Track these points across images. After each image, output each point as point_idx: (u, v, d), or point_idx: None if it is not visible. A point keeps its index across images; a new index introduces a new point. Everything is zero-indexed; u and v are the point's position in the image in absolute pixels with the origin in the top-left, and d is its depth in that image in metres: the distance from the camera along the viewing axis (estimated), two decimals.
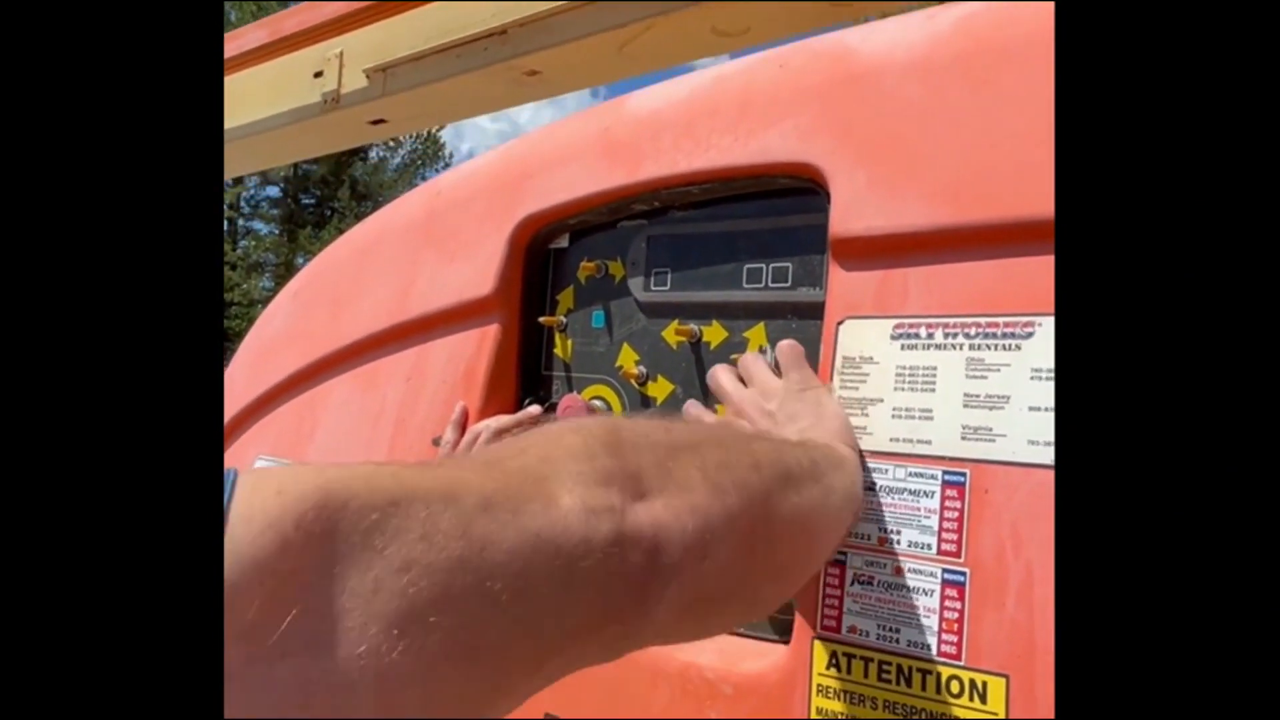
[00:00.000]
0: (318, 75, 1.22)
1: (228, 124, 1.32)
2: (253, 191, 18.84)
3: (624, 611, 0.39)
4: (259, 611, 0.27)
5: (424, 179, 19.91)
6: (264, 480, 0.29)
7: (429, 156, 20.28)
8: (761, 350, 0.70)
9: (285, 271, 17.84)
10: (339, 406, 0.96)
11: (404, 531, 0.30)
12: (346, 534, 0.29)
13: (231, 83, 1.32)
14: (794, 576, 0.54)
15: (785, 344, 0.63)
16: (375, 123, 1.26)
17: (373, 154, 20.24)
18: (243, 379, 1.11)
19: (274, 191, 19.22)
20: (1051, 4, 0.62)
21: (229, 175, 1.67)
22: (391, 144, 20.24)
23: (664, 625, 0.42)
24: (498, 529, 0.33)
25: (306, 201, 19.55)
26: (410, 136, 20.35)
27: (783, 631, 0.64)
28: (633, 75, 1.05)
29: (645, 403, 0.77)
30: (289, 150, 1.52)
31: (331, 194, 19.18)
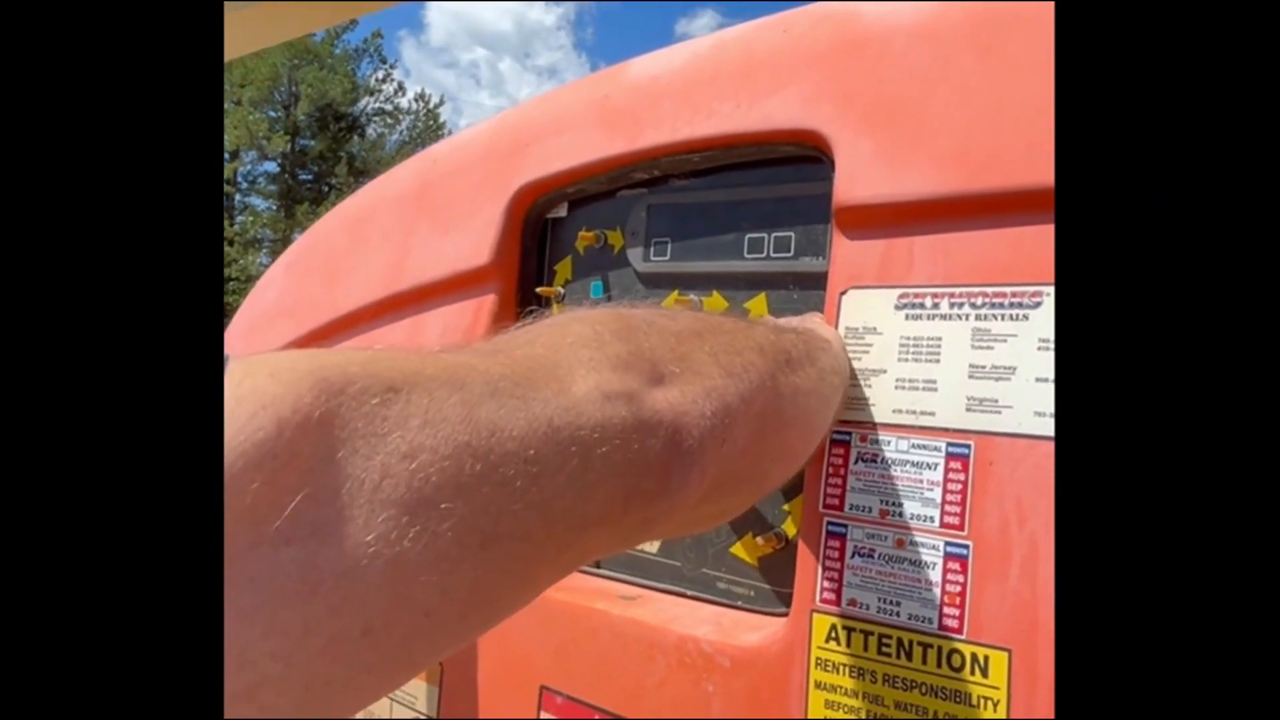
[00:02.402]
0: None
1: None
2: (250, 167, 18.77)
3: (646, 498, 0.37)
4: (258, 496, 0.25)
5: None
6: (256, 364, 0.28)
7: (428, 134, 20.19)
8: None
9: (282, 247, 17.79)
10: None
11: (407, 417, 0.29)
12: (346, 419, 0.28)
13: None
14: (798, 456, 0.53)
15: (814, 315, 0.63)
16: None
17: (371, 130, 20.15)
18: (236, 351, 1.09)
19: (271, 167, 19.13)
20: None
21: (245, 50, 1.60)
22: (390, 120, 20.13)
23: (685, 512, 0.41)
24: (506, 415, 0.32)
25: (304, 177, 19.47)
26: (409, 113, 20.24)
27: (781, 604, 0.63)
28: None
29: None
30: (309, 17, 1.45)
31: (329, 170, 19.11)
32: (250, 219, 18.55)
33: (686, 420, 0.39)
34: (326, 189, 19.01)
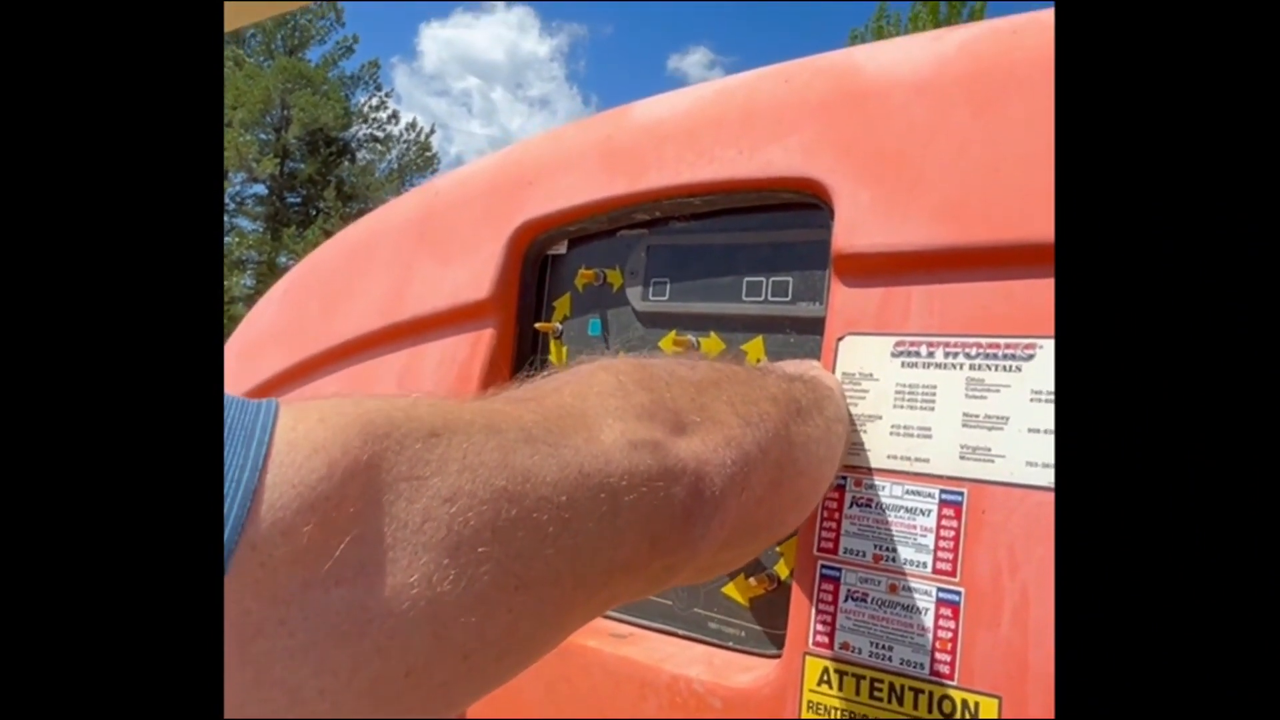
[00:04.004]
0: None
1: None
2: (239, 188, 18.73)
3: (670, 544, 0.38)
4: (311, 537, 0.26)
5: (413, 183, 19.87)
6: (306, 410, 0.29)
7: (419, 161, 20.23)
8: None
9: (268, 270, 17.71)
10: None
11: (447, 462, 0.30)
12: (391, 463, 0.29)
13: None
14: (808, 503, 0.54)
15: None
16: None
17: (361, 156, 20.19)
18: (228, 376, 1.09)
19: (260, 189, 19.10)
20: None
21: (242, 23, 1.59)
22: (381, 147, 20.20)
23: (706, 558, 0.42)
24: (540, 461, 0.33)
25: (292, 200, 19.44)
26: (400, 141, 20.32)
27: (773, 645, 0.64)
28: None
29: None
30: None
31: (317, 193, 19.09)
32: (236, 240, 18.47)
33: (709, 469, 0.40)
34: (314, 212, 18.99)
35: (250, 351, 1.09)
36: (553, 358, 0.84)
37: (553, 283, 0.85)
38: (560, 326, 0.83)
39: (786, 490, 0.49)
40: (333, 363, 0.97)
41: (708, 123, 0.74)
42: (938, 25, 14.92)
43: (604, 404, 0.39)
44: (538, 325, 0.83)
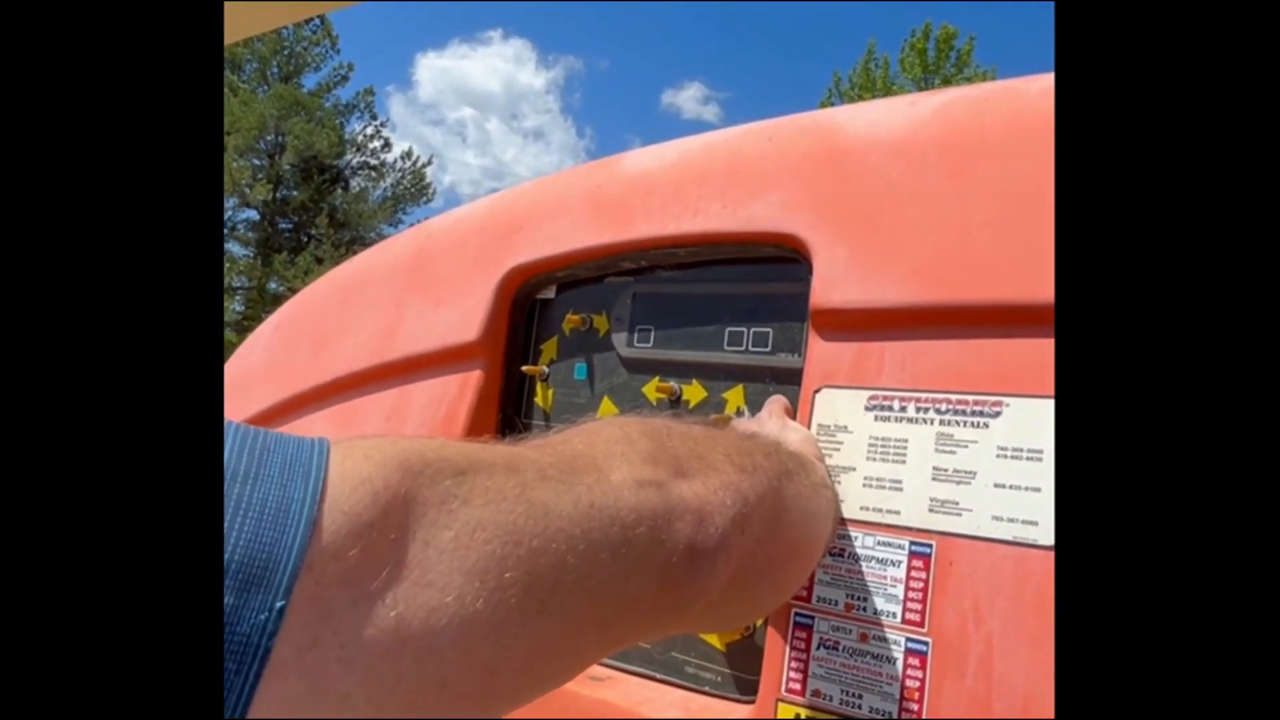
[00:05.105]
0: None
1: None
2: (231, 213, 18.74)
3: (677, 580, 0.42)
4: (358, 559, 0.30)
5: (407, 212, 19.92)
6: (353, 447, 0.33)
7: (414, 192, 20.31)
8: (739, 413, 0.72)
9: (257, 296, 17.67)
10: None
11: (474, 496, 0.34)
12: (425, 497, 0.33)
13: None
14: (806, 557, 0.57)
15: (775, 398, 0.67)
16: None
17: (355, 183, 20.26)
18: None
19: (252, 214, 19.12)
20: (1029, 95, 0.65)
21: (242, 35, 1.57)
22: (374, 175, 20.28)
23: (711, 600, 0.45)
24: (555, 497, 0.36)
25: (284, 226, 19.46)
26: (394, 169, 20.41)
27: (748, 691, 0.65)
28: None
29: None
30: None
31: (310, 220, 19.11)
32: (227, 265, 18.44)
33: (710, 508, 0.43)
34: (306, 239, 19.01)
35: (240, 384, 1.11)
36: (538, 400, 0.85)
37: (540, 326, 0.87)
38: (547, 370, 0.85)
39: (782, 539, 0.52)
40: (321, 399, 0.99)
41: (694, 177, 0.76)
42: (926, 69, 15.18)
43: (611, 450, 0.42)
44: (524, 368, 0.85)
